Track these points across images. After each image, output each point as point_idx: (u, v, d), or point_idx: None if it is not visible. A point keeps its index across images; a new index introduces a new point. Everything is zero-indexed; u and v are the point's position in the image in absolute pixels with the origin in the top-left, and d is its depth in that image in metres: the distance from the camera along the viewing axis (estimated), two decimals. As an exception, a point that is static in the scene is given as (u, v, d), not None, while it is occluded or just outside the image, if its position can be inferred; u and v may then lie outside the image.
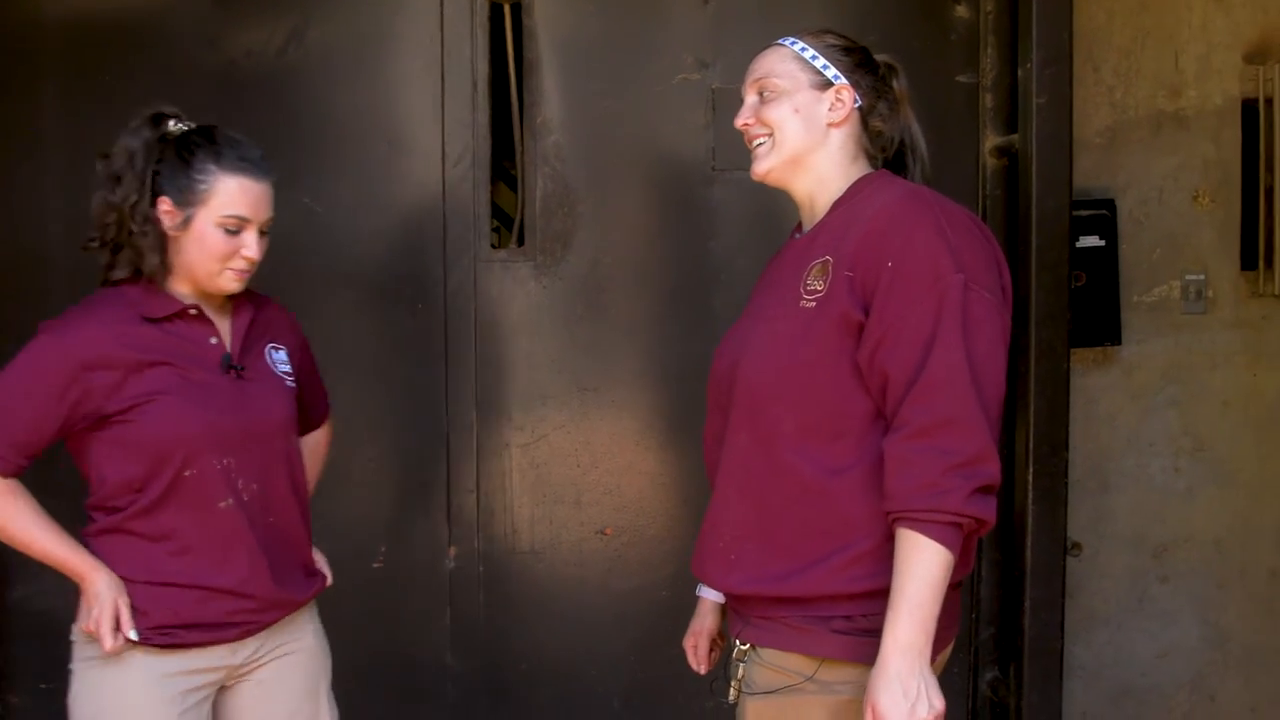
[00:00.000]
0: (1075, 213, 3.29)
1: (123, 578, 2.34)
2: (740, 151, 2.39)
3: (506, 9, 3.47)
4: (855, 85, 2.21)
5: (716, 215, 3.48)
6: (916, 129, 2.32)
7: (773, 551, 2.09)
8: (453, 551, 3.53)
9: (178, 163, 2.33)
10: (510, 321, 3.50)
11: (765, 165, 2.23)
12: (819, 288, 2.07)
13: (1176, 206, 3.70)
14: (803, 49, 2.22)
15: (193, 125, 2.41)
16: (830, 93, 2.19)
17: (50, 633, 3.48)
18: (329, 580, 2.65)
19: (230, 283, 2.37)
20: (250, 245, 2.35)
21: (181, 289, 2.41)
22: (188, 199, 2.32)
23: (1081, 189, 3.56)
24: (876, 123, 2.24)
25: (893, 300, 1.98)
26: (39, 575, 3.48)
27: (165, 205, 2.33)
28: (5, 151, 3.43)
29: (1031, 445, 3.14)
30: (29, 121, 3.43)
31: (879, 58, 2.28)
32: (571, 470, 3.54)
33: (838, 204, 2.18)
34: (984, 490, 1.95)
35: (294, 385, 2.54)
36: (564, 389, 3.52)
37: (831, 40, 2.24)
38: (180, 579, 2.34)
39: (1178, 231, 3.71)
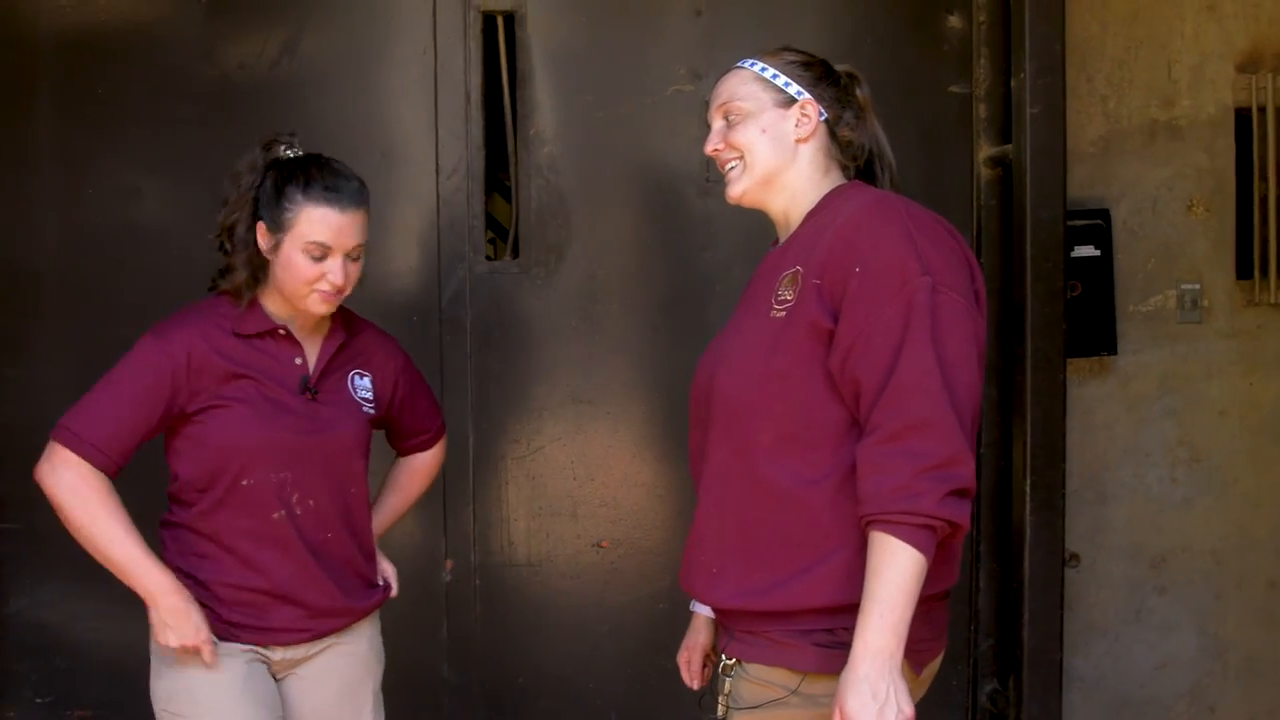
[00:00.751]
0: (1070, 223, 3.29)
1: (183, 573, 2.46)
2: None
3: (500, 21, 3.47)
4: (819, 99, 2.21)
5: (710, 226, 3.48)
6: (883, 137, 2.31)
7: (754, 564, 2.08)
8: (449, 564, 3.52)
9: (273, 190, 2.43)
10: (505, 333, 3.50)
11: (739, 188, 2.23)
12: (789, 297, 2.07)
13: (1171, 216, 3.70)
14: (763, 69, 2.22)
15: (299, 153, 2.48)
16: (795, 109, 2.19)
17: (45, 647, 3.49)
18: (393, 592, 2.74)
19: (318, 305, 2.46)
20: (335, 271, 2.42)
21: (275, 309, 2.51)
22: (277, 225, 2.41)
23: (1076, 199, 3.55)
24: (845, 132, 2.24)
25: (861, 306, 1.97)
26: (33, 589, 3.48)
27: (261, 230, 2.44)
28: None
29: (1028, 456, 3.13)
30: (23, 133, 3.43)
31: (839, 68, 2.28)
32: (568, 483, 3.53)
33: (809, 216, 2.18)
34: (958, 494, 1.93)
35: (371, 412, 2.62)
36: (560, 401, 3.51)
37: (790, 57, 2.24)
38: (236, 582, 2.46)
39: (1172, 241, 3.71)
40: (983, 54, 3.45)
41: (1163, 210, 3.70)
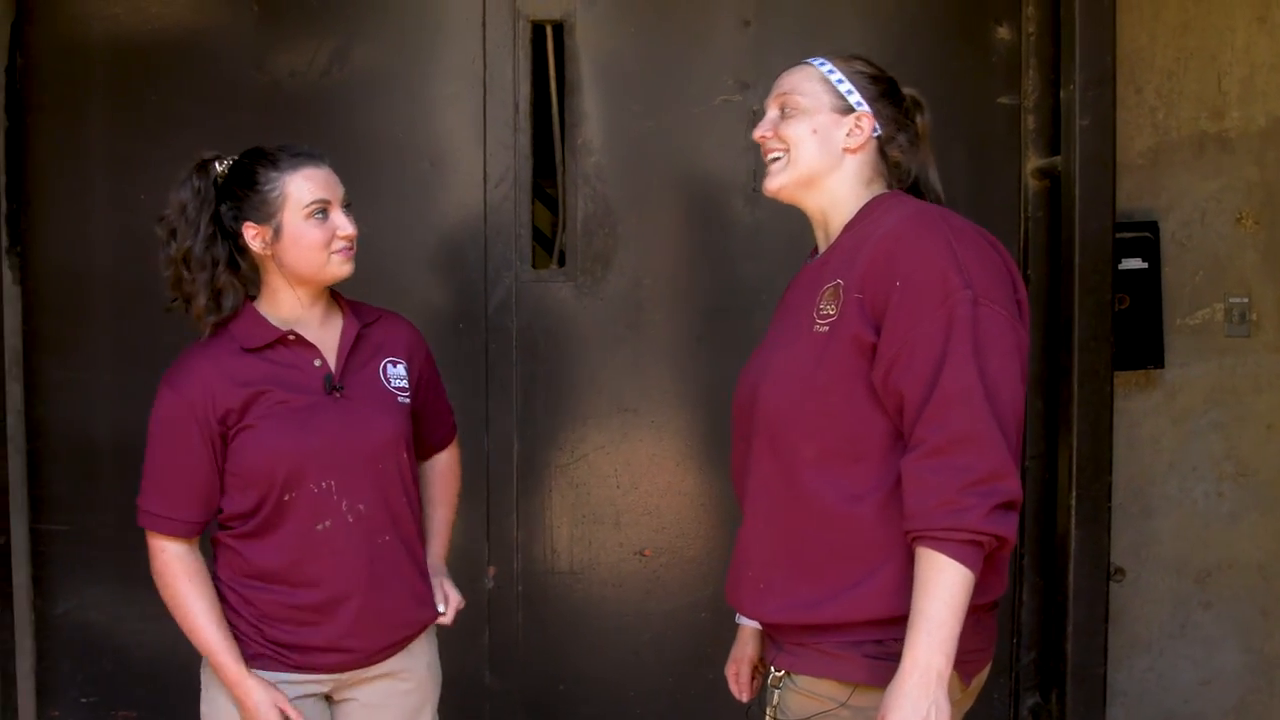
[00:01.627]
0: (1118, 235, 3.28)
1: (235, 592, 2.43)
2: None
3: (549, 30, 3.49)
4: (877, 114, 2.20)
5: (756, 236, 3.48)
6: (933, 168, 2.29)
7: (802, 578, 2.08)
8: (492, 571, 3.53)
9: (244, 191, 2.40)
10: (551, 341, 3.51)
11: (777, 182, 2.23)
12: (831, 312, 2.06)
13: (1220, 228, 3.68)
14: (830, 71, 2.22)
15: (235, 157, 2.47)
16: (850, 118, 2.19)
17: (91, 648, 3.52)
18: (441, 613, 2.68)
19: (340, 266, 2.43)
20: (343, 223, 2.42)
21: (280, 312, 2.46)
22: (268, 212, 2.39)
23: (1124, 211, 3.54)
24: (895, 153, 2.23)
25: (902, 319, 1.97)
26: (80, 590, 3.51)
27: (251, 230, 2.40)
28: (53, 169, 3.47)
29: (1074, 469, 3.12)
30: (75, 139, 3.47)
31: (906, 91, 2.27)
32: (611, 491, 3.54)
33: (849, 226, 2.17)
34: (1004, 507, 1.93)
35: (407, 401, 2.56)
36: (604, 409, 3.52)
37: (860, 67, 2.24)
38: (285, 600, 2.41)
39: (1221, 254, 3.68)
40: (1031, 65, 3.44)
41: (1211, 223, 3.68)
